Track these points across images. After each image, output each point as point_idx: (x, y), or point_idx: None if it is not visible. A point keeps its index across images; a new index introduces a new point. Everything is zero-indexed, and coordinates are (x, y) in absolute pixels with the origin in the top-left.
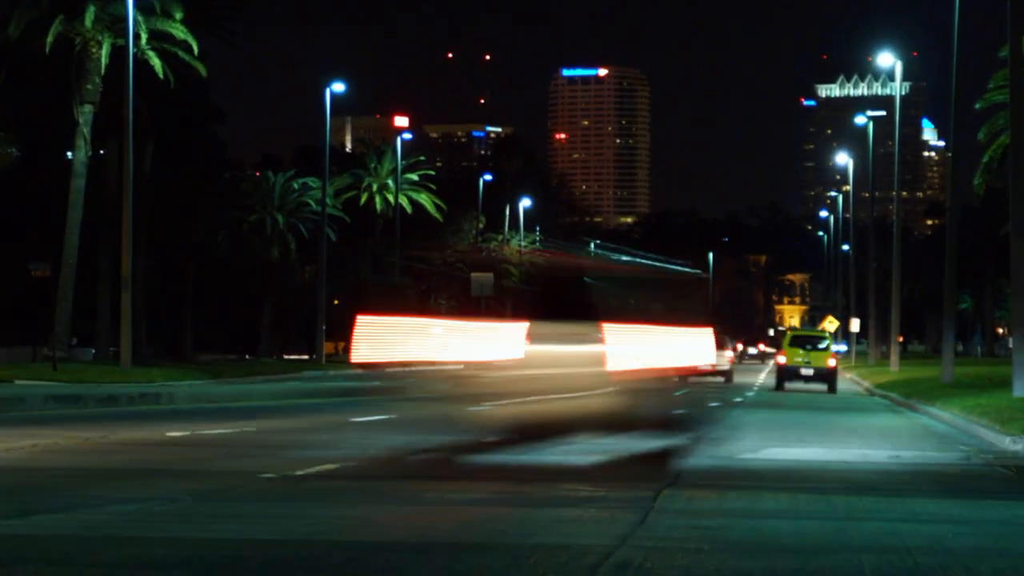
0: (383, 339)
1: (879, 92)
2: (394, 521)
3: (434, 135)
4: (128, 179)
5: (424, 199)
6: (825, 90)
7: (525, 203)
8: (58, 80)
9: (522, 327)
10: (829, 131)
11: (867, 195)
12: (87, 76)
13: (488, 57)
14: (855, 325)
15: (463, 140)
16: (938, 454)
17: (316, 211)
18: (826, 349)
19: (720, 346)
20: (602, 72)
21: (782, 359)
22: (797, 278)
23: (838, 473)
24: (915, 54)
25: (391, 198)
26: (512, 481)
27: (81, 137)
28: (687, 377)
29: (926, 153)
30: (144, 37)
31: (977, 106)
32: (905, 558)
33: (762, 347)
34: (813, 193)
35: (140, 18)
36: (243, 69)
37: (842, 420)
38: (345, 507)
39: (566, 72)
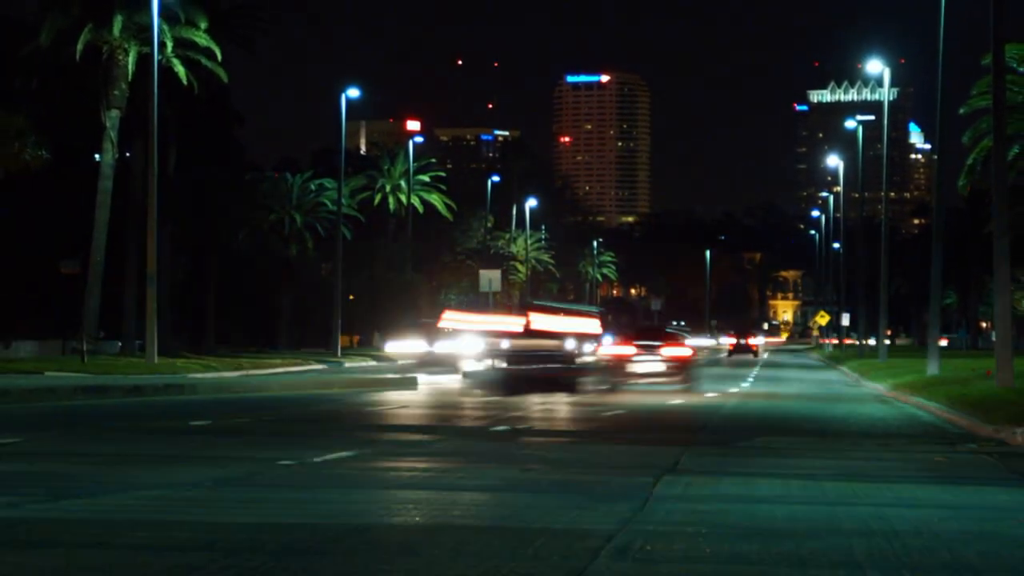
0: None
1: (868, 97)
2: (407, 505)
3: (444, 138)
4: (153, 180)
5: (435, 199)
6: (817, 96)
7: (531, 203)
8: (87, 86)
9: None
10: (821, 135)
11: (857, 196)
12: (114, 82)
13: (496, 64)
14: (845, 319)
15: (472, 143)
16: (924, 442)
17: (332, 211)
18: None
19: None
20: (604, 78)
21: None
22: (790, 274)
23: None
24: (902, 61)
25: (403, 198)
26: (518, 467)
27: (108, 140)
28: None
29: (913, 156)
30: (169, 45)
31: (961, 111)
32: (893, 542)
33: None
34: (805, 194)
35: (165, 27)
36: (261, 75)
37: (834, 409)
38: (360, 492)
39: (570, 78)
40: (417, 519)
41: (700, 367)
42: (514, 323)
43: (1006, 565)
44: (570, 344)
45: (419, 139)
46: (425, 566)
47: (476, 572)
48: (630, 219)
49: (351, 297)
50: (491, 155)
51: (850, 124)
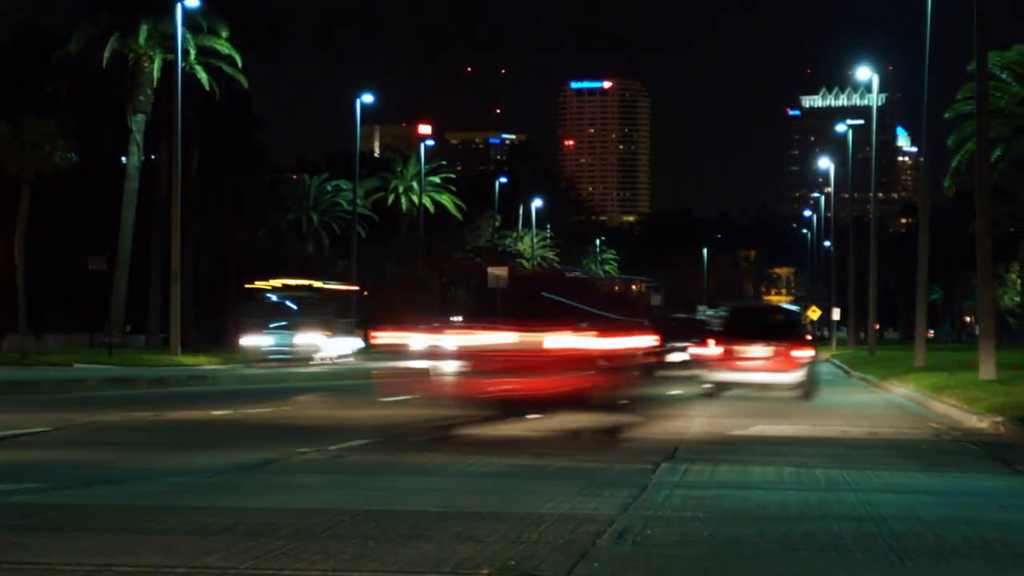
0: None
1: (858, 103)
2: (417, 492)
3: (454, 142)
4: (177, 182)
5: (445, 200)
6: (809, 101)
7: (537, 203)
8: (114, 91)
9: None
10: (812, 138)
11: (847, 196)
12: (140, 88)
13: (503, 71)
14: (836, 314)
15: (480, 146)
16: (911, 431)
17: (347, 211)
18: None
19: None
20: (607, 85)
21: None
22: (784, 271)
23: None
24: (890, 68)
25: (415, 199)
26: (527, 454)
27: (134, 143)
28: None
29: (900, 158)
30: (192, 53)
31: (947, 115)
32: (881, 526)
33: None
34: (798, 194)
35: (188, 35)
36: (280, 80)
37: (825, 399)
38: (374, 479)
39: (574, 84)
40: (428, 504)
41: None
42: None
43: (989, 548)
44: None
45: (430, 142)
46: (435, 548)
47: (484, 554)
48: (631, 218)
49: (365, 293)
50: (499, 158)
51: (840, 128)
